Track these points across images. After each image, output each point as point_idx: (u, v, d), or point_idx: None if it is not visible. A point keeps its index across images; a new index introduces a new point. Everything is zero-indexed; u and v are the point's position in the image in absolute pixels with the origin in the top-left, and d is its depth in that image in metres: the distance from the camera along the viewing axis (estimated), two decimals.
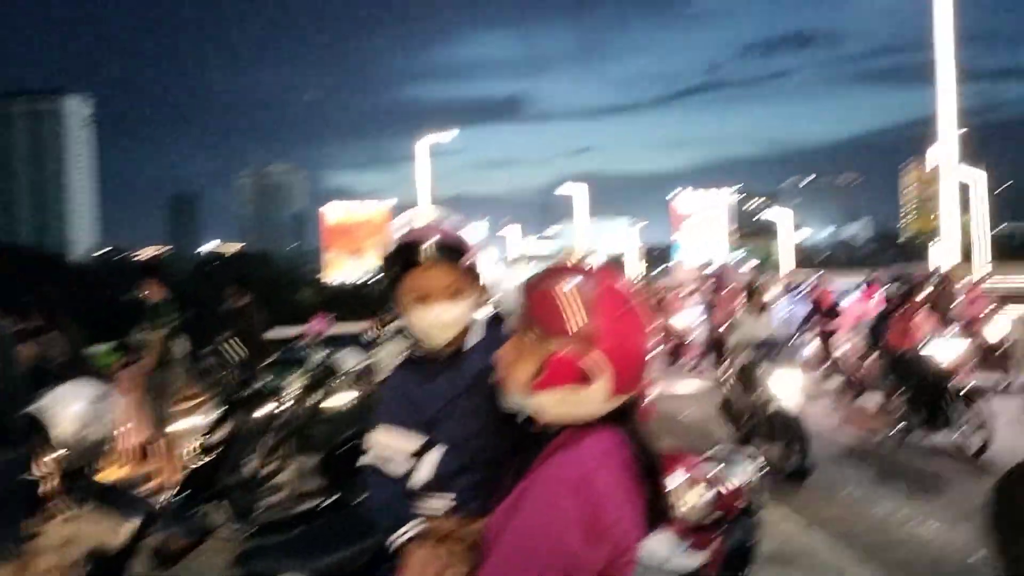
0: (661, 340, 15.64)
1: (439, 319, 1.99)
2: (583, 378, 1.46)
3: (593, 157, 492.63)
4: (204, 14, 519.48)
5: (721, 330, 10.00)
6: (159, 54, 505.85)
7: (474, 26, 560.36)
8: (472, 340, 2.07)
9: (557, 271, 1.56)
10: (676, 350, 15.90)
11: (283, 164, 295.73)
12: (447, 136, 38.52)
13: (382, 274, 2.14)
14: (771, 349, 7.90)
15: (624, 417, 1.51)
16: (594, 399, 1.48)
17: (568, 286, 1.49)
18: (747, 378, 7.67)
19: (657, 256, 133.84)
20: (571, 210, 70.11)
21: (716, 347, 11.06)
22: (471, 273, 2.05)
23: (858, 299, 12.72)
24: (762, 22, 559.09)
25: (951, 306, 11.18)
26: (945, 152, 20.52)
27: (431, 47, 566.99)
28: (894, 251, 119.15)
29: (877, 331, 9.02)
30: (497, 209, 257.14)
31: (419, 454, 2.04)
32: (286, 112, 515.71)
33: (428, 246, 1.97)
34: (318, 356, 7.79)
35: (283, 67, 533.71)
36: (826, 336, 12.27)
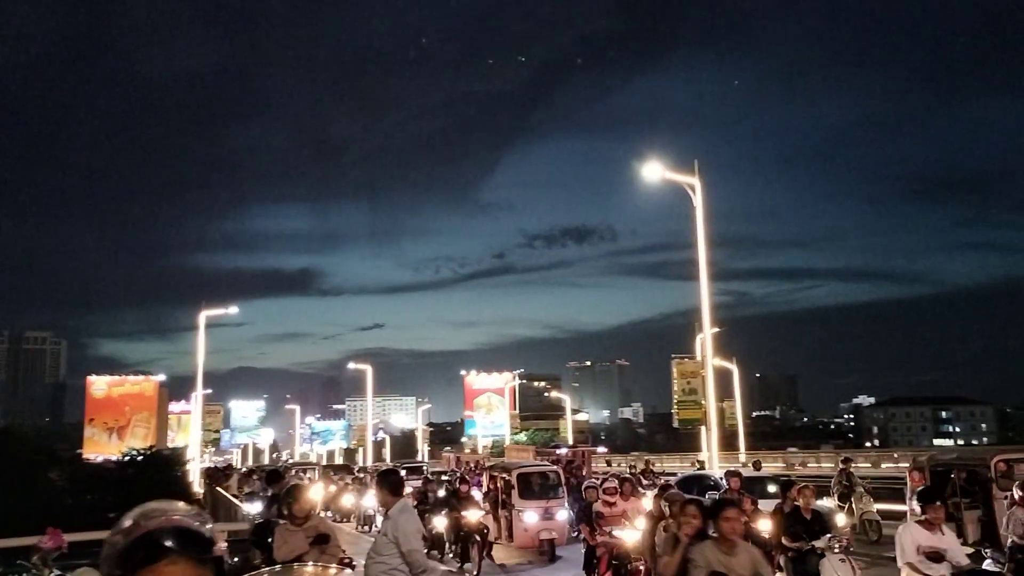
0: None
1: None
2: None
3: (383, 334, 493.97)
4: None
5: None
6: None
7: (268, 199, 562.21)
8: None
9: None
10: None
11: (41, 331, 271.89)
12: (230, 308, 37.55)
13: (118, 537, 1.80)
14: None
15: None
16: None
17: None
18: None
19: (447, 434, 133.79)
20: (358, 386, 69.08)
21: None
22: (217, 569, 1.77)
23: None
24: (546, 216, 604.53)
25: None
26: (707, 345, 22.50)
27: (220, 217, 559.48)
28: (667, 432, 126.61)
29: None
30: (282, 384, 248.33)
31: None
32: (49, 275, 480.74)
33: (169, 540, 1.71)
34: (50, 574, 6.87)
35: (51, 227, 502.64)
36: None
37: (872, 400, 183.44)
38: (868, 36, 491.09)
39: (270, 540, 6.51)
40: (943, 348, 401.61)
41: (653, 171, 21.18)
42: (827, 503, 17.29)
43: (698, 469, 25.86)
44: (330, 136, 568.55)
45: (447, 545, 15.70)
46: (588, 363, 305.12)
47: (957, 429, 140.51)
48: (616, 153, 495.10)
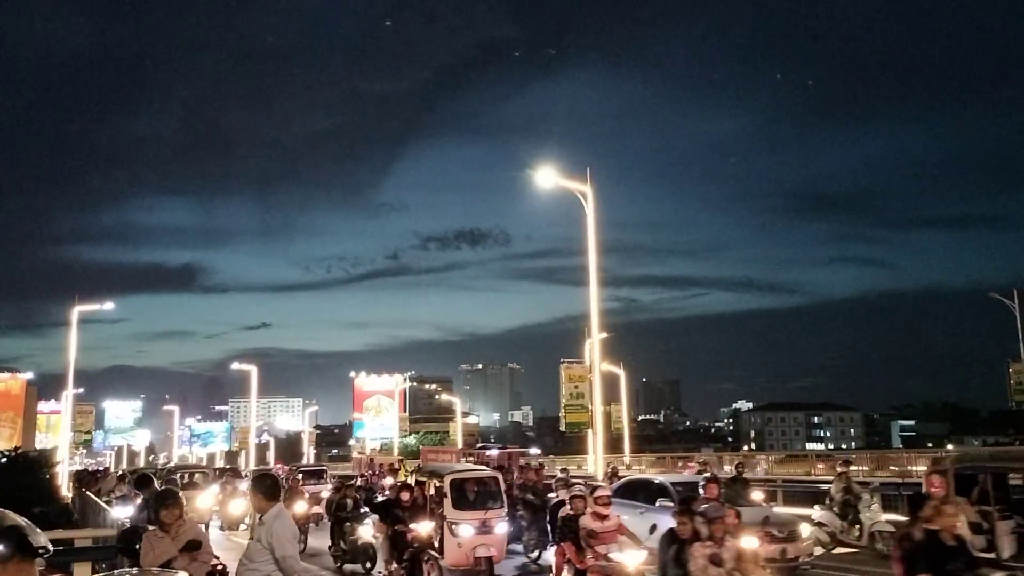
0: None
1: None
2: None
3: (270, 333, 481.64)
4: None
5: None
6: None
7: (150, 191, 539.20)
8: None
9: None
10: None
11: None
12: (105, 304, 35.91)
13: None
14: None
15: None
16: None
17: None
18: None
19: (335, 436, 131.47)
20: (243, 386, 67.18)
21: None
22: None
23: None
24: (441, 218, 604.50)
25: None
26: (594, 350, 22.95)
27: (100, 207, 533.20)
28: (555, 436, 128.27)
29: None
30: (161, 384, 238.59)
31: None
32: None
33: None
34: None
35: None
36: None
37: (750, 405, 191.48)
38: (756, 52, 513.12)
39: (138, 547, 6.27)
40: (816, 356, 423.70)
41: (546, 177, 21.42)
42: (818, 512, 16.65)
43: (700, 472, 23.00)
44: (219, 128, 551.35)
45: (382, 561, 13.77)
46: (480, 366, 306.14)
47: (827, 434, 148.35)
48: (511, 158, 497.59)
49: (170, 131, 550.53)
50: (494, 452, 30.89)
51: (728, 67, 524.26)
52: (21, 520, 1.97)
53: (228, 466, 56.87)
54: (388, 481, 25.33)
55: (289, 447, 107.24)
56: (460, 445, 59.97)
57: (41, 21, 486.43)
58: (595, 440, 23.28)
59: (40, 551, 1.92)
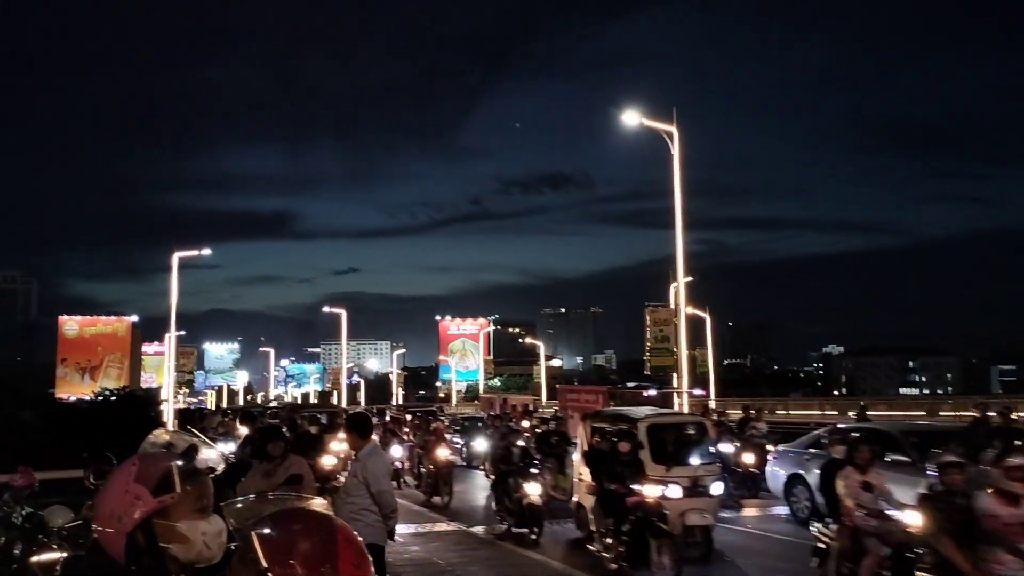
0: None
1: None
2: None
3: (358, 278, 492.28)
4: None
5: None
6: None
7: (240, 139, 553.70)
8: None
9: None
10: None
11: (12, 270, 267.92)
12: (203, 250, 37.25)
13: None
14: None
15: None
16: None
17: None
18: None
19: (422, 379, 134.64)
20: (333, 329, 69.19)
21: None
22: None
23: None
24: (522, 162, 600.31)
25: None
26: (680, 293, 22.70)
27: (193, 157, 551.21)
28: (639, 380, 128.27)
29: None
30: (256, 327, 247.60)
31: None
32: (19, 215, 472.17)
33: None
34: (21, 511, 6.92)
35: (20, 166, 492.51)
36: None
37: (841, 349, 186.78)
38: None
39: (243, 480, 6.59)
40: (911, 299, 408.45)
41: (630, 118, 21.07)
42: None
43: (857, 419, 20.36)
44: (303, 75, 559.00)
45: (593, 531, 10.64)
46: (562, 310, 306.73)
47: (923, 379, 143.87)
48: (594, 100, 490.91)
49: (259, 81, 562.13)
50: (652, 392, 24.14)
51: None
52: (195, 440, 2.18)
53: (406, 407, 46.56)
54: (525, 424, 21.84)
55: (378, 388, 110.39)
56: (544, 388, 60.52)
57: None
58: (680, 383, 23.15)
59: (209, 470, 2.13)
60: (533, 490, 12.18)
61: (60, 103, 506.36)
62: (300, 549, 1.50)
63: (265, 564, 1.48)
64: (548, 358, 73.95)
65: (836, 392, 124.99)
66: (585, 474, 11.34)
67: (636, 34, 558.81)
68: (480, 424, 24.71)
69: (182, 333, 54.27)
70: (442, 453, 16.53)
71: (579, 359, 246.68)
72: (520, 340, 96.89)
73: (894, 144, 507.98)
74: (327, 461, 10.77)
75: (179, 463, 2.01)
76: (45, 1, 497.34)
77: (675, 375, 31.44)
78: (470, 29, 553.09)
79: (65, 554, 6.42)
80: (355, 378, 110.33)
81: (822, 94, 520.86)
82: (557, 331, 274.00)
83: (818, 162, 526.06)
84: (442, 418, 24.74)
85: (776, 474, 14.60)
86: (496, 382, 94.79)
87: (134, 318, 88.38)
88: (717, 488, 11.32)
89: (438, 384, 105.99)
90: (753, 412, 18.77)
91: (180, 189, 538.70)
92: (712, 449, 12.26)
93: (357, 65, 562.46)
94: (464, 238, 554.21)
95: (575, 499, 12.61)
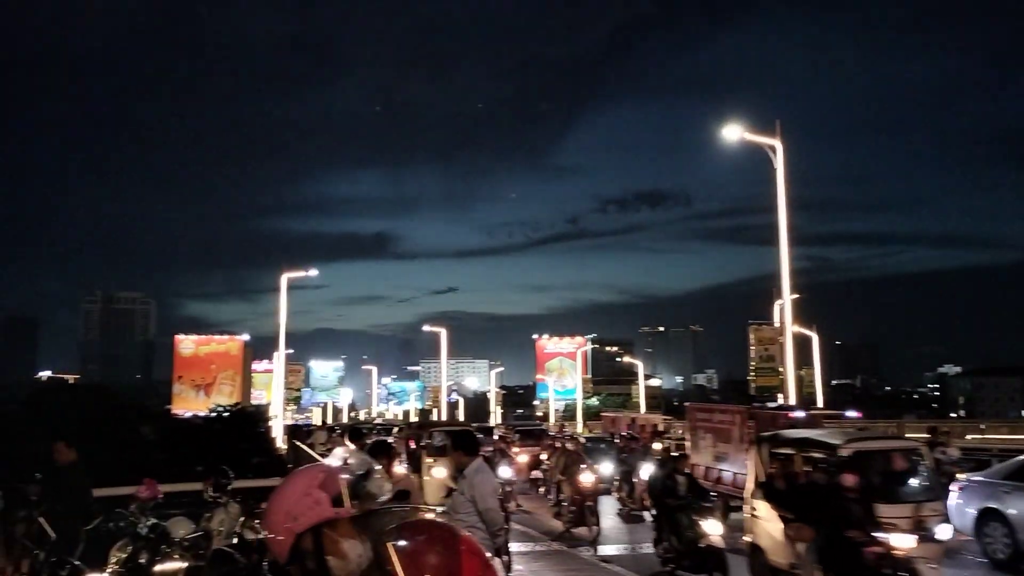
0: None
1: None
2: None
3: (457, 297, 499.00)
4: (57, 133, 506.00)
5: None
6: (5, 170, 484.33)
7: (344, 164, 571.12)
8: None
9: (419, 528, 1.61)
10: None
11: (132, 291, 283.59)
12: (309, 271, 38.44)
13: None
14: None
15: None
16: None
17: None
18: None
19: (519, 397, 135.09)
20: (433, 348, 70.12)
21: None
22: None
23: None
24: (619, 180, 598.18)
25: None
26: (785, 312, 22.05)
27: (300, 182, 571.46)
28: (741, 401, 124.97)
29: None
30: (359, 346, 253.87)
31: None
32: (139, 238, 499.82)
33: None
34: (146, 522, 7.27)
35: (140, 193, 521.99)
36: None
37: (959, 369, 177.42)
38: None
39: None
40: None
41: (732, 132, 20.67)
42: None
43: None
44: (403, 100, 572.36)
45: None
46: (661, 328, 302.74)
47: None
48: (691, 116, 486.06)
49: (360, 107, 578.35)
50: (800, 414, 18.71)
51: (925, 8, 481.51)
52: (372, 463, 2.26)
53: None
54: (657, 447, 19.85)
55: (477, 406, 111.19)
56: (643, 408, 59.68)
57: (244, 9, 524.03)
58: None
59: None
60: (713, 529, 10.19)
61: (176, 134, 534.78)
62: (430, 560, 1.53)
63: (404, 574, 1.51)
64: (647, 377, 72.98)
65: (953, 415, 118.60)
66: (762, 509, 9.95)
67: (733, 49, 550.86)
68: (603, 445, 23.04)
69: (291, 351, 56.23)
70: (586, 478, 14.69)
71: (678, 378, 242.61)
72: (618, 359, 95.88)
73: (1009, 156, 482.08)
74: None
75: (355, 482, 2.06)
76: (161, 39, 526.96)
77: (780, 396, 30.40)
78: (566, 49, 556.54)
79: (186, 564, 6.72)
80: (454, 396, 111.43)
81: (932, 105, 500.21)
82: (656, 350, 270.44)
83: (927, 175, 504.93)
84: (577, 438, 22.30)
85: (962, 508, 12.46)
86: (595, 400, 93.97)
87: (246, 337, 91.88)
88: (944, 532, 9.09)
89: (535, 403, 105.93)
90: (942, 435, 16.30)
91: (287, 213, 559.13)
92: (930, 482, 9.94)
93: (455, 88, 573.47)
94: (561, 257, 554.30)
95: (746, 539, 10.58)
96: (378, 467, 2.20)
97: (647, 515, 14.15)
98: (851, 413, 29.00)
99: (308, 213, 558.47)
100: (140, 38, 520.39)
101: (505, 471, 16.42)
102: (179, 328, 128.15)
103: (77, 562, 6.32)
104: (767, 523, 9.70)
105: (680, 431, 26.39)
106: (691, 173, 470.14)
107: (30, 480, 7.73)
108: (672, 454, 12.99)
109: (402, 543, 1.59)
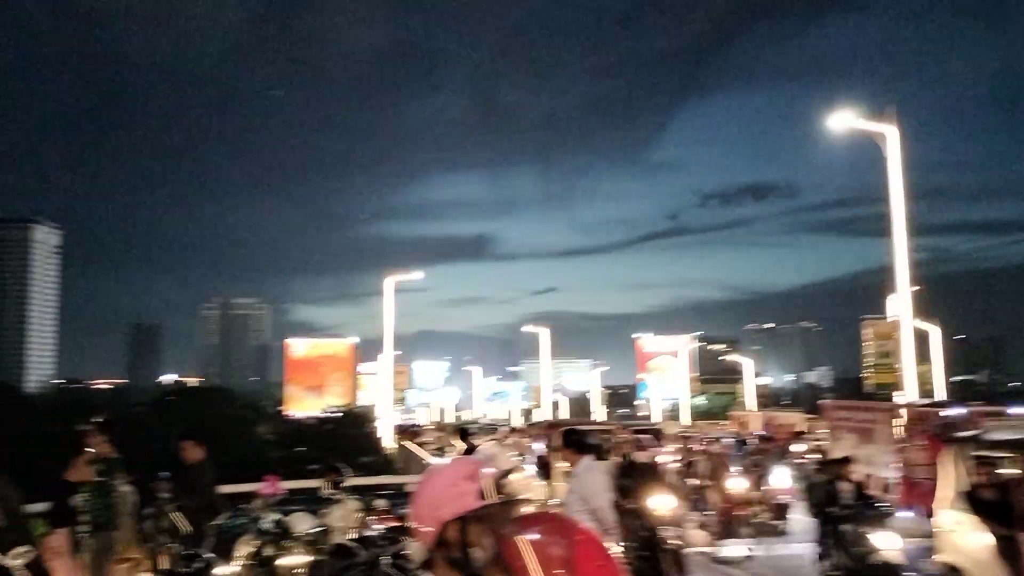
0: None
1: None
2: None
3: (557, 297, 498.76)
4: (173, 147, 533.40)
5: None
6: (128, 183, 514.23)
7: (443, 168, 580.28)
8: None
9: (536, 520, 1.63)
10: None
11: (248, 297, 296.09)
12: (414, 274, 39.18)
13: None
14: None
15: None
16: None
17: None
18: None
19: (621, 397, 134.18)
20: (534, 348, 70.37)
21: None
22: None
23: None
24: (721, 174, 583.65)
25: None
26: (903, 305, 21.10)
27: (400, 187, 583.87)
28: (857, 399, 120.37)
29: None
30: (461, 347, 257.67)
31: None
32: (252, 246, 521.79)
33: None
34: (270, 517, 7.60)
35: (252, 202, 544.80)
36: None
37: None
38: None
39: None
40: None
41: (841, 121, 19.88)
42: None
43: None
44: (500, 103, 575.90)
45: None
46: (769, 325, 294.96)
47: None
48: (795, 105, 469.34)
49: (458, 111, 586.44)
50: (961, 411, 14.73)
51: None
52: (517, 462, 2.31)
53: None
54: (800, 447, 18.82)
55: (579, 406, 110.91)
56: (753, 407, 58.11)
57: (343, 20, 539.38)
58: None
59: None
60: (888, 543, 8.87)
61: (287, 146, 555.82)
62: (552, 552, 1.56)
63: (539, 568, 1.55)
64: (755, 375, 71.19)
65: None
66: (965, 523, 8.43)
67: (838, 37, 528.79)
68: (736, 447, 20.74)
69: (398, 353, 57.52)
70: (737, 485, 13.28)
71: (788, 376, 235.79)
72: (723, 357, 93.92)
73: None
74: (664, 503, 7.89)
75: (499, 477, 2.14)
76: (270, 53, 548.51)
77: (893, 394, 28.95)
78: (664, 44, 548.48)
79: (309, 558, 6.99)
80: (556, 396, 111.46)
81: None
82: (764, 347, 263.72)
83: None
84: (719, 438, 21.14)
85: None
86: (703, 399, 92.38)
87: (355, 339, 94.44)
88: None
89: (636, 403, 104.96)
90: None
91: (390, 217, 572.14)
92: None
93: (552, 88, 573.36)
94: (662, 254, 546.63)
95: (941, 558, 8.81)
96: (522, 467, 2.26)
97: (779, 524, 13.21)
98: (1016, 409, 24.33)
99: (410, 217, 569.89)
100: (250, 53, 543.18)
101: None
102: (291, 332, 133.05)
103: (210, 554, 6.69)
104: (971, 540, 8.22)
105: (821, 431, 24.26)
106: (797, 164, 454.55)
107: (158, 477, 8.16)
108: (834, 457, 10.81)
109: (527, 536, 1.62)
